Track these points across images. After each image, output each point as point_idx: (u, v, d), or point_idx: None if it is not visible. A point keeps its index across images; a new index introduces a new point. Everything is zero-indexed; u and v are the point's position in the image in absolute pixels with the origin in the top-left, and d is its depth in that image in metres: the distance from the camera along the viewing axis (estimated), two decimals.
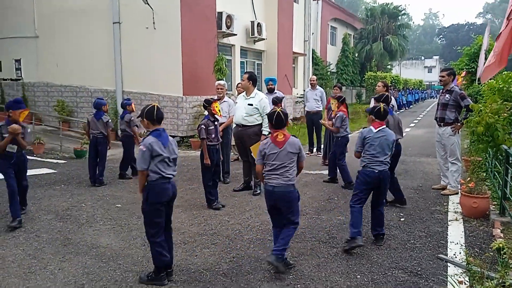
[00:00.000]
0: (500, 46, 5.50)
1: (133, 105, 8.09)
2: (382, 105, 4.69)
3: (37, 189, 7.05)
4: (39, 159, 9.87)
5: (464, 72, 13.65)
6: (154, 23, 11.58)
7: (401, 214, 5.73)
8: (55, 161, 9.75)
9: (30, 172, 8.25)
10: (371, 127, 4.65)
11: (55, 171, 8.55)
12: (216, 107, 6.17)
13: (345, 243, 4.48)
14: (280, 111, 3.94)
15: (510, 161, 5.21)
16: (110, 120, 7.60)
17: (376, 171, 4.48)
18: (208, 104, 6.13)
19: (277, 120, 3.92)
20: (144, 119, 3.75)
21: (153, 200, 3.68)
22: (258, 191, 6.77)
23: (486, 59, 6.38)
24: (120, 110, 12.26)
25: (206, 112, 6.29)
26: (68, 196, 6.65)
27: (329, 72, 26.09)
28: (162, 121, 3.81)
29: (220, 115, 6.49)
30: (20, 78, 14.63)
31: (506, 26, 5.30)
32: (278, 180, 3.90)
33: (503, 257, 3.56)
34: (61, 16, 13.23)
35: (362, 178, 4.56)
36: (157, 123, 3.75)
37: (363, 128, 4.80)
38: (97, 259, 4.26)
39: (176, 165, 3.85)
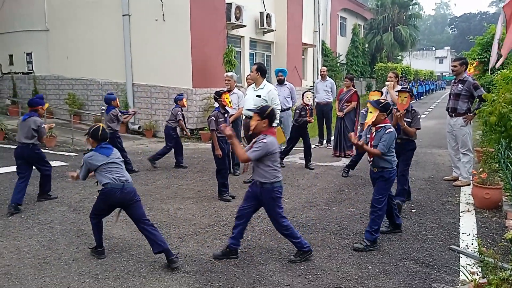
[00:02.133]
0: None
1: (184, 100, 8.39)
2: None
3: None
4: (51, 152, 9.97)
5: (476, 62, 13.44)
6: (163, 15, 11.57)
7: (412, 205, 5.70)
8: (67, 153, 9.85)
9: None
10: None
11: (67, 164, 8.64)
12: (227, 98, 6.17)
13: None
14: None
15: None
16: (119, 114, 7.69)
17: None
18: (218, 95, 6.14)
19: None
20: (90, 138, 4.06)
21: (102, 197, 4.01)
22: None
23: (499, 48, 6.25)
24: (131, 103, 12.40)
25: (216, 104, 6.30)
26: (80, 188, 6.72)
27: (338, 63, 25.88)
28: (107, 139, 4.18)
29: (231, 106, 6.48)
30: (32, 71, 14.75)
31: None
32: None
33: None
34: (71, 9, 13.27)
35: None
36: (101, 142, 4.07)
37: (391, 128, 4.36)
38: (110, 250, 4.31)
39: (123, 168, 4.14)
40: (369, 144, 4.42)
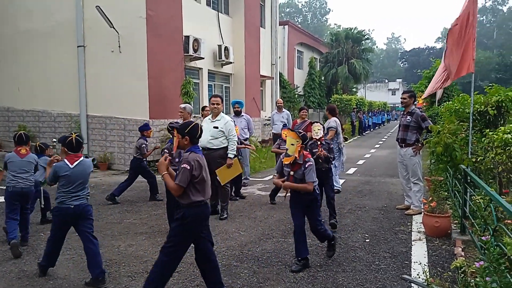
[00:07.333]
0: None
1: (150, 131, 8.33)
2: (74, 136, 4.34)
3: None
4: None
5: (424, 94, 14.10)
6: (119, 46, 11.48)
7: (366, 235, 5.77)
8: None
9: None
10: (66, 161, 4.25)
11: None
12: None
13: None
14: None
15: (469, 181, 5.36)
16: None
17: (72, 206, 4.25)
18: (172, 128, 6.06)
19: None
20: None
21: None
22: (225, 216, 6.69)
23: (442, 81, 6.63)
24: (84, 134, 12.04)
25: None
26: None
27: (296, 95, 26.47)
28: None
29: None
30: None
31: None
32: None
33: (462, 276, 3.61)
34: (23, 39, 12.93)
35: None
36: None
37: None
38: None
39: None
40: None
